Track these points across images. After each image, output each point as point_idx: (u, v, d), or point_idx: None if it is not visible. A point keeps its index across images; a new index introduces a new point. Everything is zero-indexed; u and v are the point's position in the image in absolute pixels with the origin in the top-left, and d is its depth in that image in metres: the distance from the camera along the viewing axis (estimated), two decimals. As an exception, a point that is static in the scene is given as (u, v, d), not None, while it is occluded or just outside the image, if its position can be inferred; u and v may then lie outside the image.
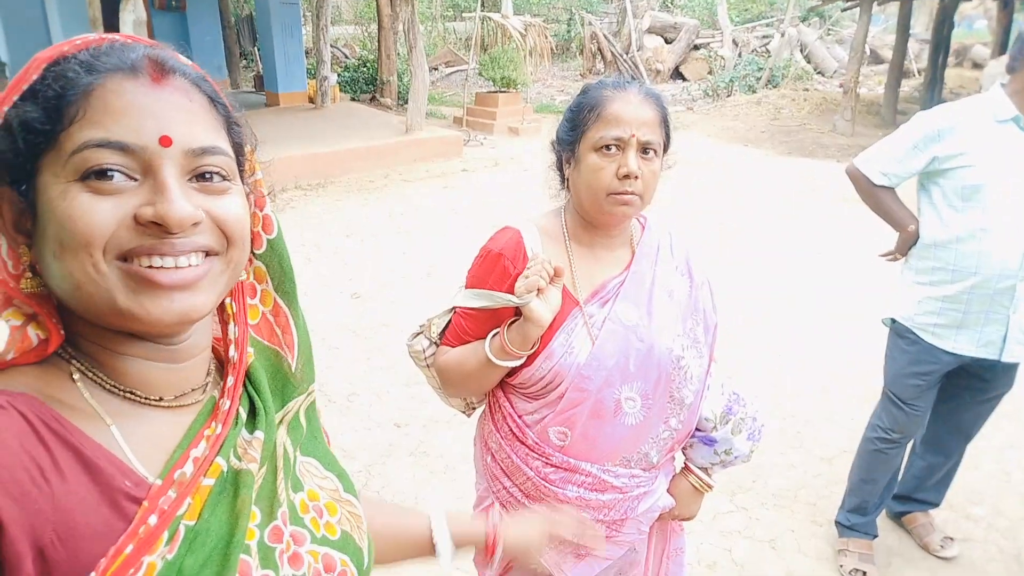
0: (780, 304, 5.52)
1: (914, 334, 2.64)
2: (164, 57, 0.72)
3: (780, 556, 2.98)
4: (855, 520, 2.94)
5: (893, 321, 2.74)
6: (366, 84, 14.33)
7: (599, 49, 17.77)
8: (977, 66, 17.96)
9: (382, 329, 4.99)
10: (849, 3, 14.23)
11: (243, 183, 0.80)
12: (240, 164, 0.79)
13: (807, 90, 14.91)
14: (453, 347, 1.62)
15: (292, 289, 0.92)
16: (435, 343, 1.68)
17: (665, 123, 1.52)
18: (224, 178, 0.73)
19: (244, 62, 16.48)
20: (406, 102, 11.00)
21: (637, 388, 1.52)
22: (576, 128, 1.52)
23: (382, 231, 7.22)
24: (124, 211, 0.67)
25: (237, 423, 0.80)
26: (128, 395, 0.75)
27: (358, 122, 11.19)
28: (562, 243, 1.59)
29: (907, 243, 2.67)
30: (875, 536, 2.94)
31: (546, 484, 1.56)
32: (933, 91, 13.89)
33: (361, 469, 3.47)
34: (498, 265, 1.54)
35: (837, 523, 3.01)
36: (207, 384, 0.83)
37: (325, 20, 12.54)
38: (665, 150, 1.55)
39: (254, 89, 14.51)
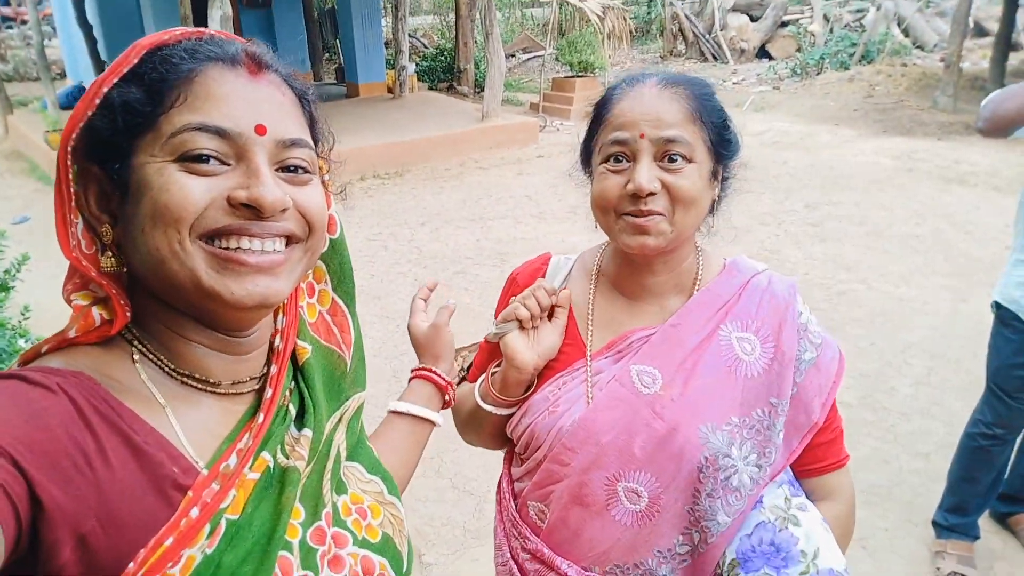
0: (874, 289, 5.22)
1: (1020, 320, 2.44)
2: (260, 53, 0.76)
3: (871, 556, 2.81)
4: (954, 520, 2.76)
5: (997, 307, 2.54)
6: (444, 73, 14.40)
7: (680, 30, 17.30)
8: (1097, 34, 16.52)
9: (455, 317, 4.97)
10: (951, -29, 13.34)
11: None
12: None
13: (904, 65, 14.06)
14: (472, 383, 1.37)
15: (351, 289, 0.95)
16: (463, 377, 1.44)
17: (703, 118, 1.11)
18: (306, 171, 0.77)
19: (327, 55, 16.84)
20: (483, 90, 10.98)
21: (645, 481, 1.12)
22: (588, 140, 1.21)
23: (456, 218, 7.23)
24: (217, 191, 0.70)
25: (286, 419, 0.81)
26: (186, 379, 0.76)
27: (435, 111, 11.26)
28: (590, 280, 1.28)
29: None
30: (976, 538, 2.76)
31: (519, 574, 1.24)
32: (1045, 62, 12.87)
33: (433, 455, 3.46)
34: (510, 292, 1.33)
35: (934, 523, 2.84)
36: (263, 376, 0.84)
37: (404, 10, 12.67)
38: (721, 156, 1.15)
39: (335, 81, 14.81)
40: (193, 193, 0.68)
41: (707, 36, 16.89)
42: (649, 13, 19.39)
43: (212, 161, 0.69)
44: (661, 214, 1.08)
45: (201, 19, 8.05)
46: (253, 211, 0.70)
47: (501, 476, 1.35)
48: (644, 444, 1.11)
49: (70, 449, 0.62)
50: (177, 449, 0.71)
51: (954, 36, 11.42)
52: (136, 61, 0.71)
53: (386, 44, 14.21)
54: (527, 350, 1.18)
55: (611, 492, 1.13)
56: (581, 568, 1.17)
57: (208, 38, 0.74)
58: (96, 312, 0.73)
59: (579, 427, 1.13)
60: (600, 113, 1.17)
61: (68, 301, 0.75)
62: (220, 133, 0.69)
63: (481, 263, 5.91)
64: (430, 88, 13.94)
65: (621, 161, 1.10)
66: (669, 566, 1.16)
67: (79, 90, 12.02)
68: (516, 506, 1.27)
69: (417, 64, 14.31)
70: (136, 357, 0.74)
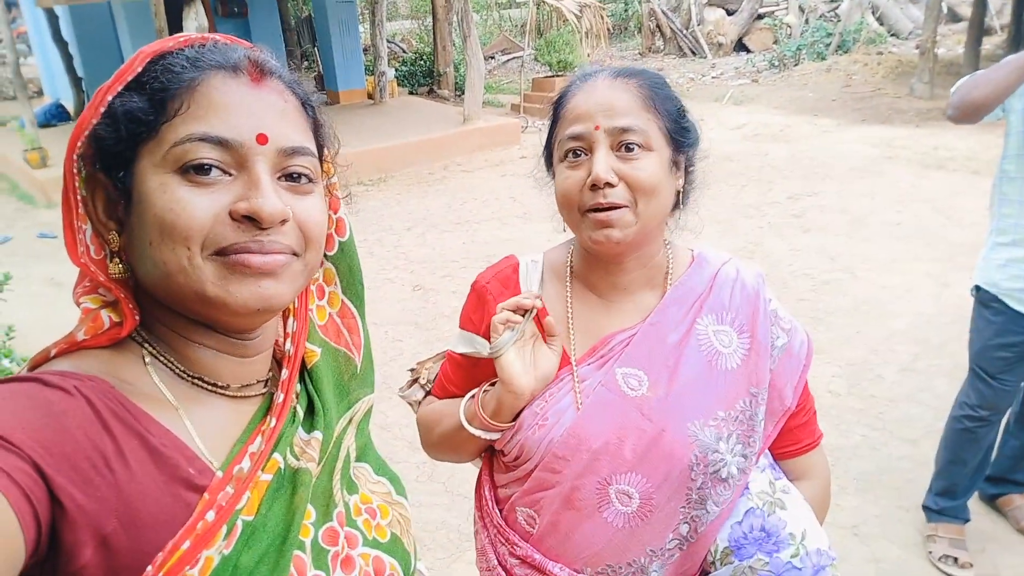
0: (858, 277, 5.26)
1: (1000, 302, 2.47)
2: (263, 59, 0.75)
3: (864, 543, 2.83)
4: (944, 504, 2.79)
5: (978, 289, 2.57)
6: (423, 77, 14.39)
7: (658, 26, 17.37)
8: (1068, 16, 16.71)
9: (443, 320, 4.99)
10: (923, -42, 13.46)
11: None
12: (320, 165, 0.82)
13: (880, 54, 14.18)
14: (439, 398, 1.33)
15: (360, 291, 0.95)
16: (428, 392, 1.38)
17: (657, 107, 1.11)
18: (310, 179, 0.76)
19: (305, 63, 16.80)
20: (464, 93, 10.99)
21: (636, 482, 1.11)
22: (547, 141, 1.21)
23: (442, 222, 7.23)
24: (220, 206, 0.70)
25: (295, 420, 0.82)
26: (197, 381, 0.77)
27: (416, 115, 11.25)
28: (564, 283, 1.24)
29: None
30: (967, 520, 2.79)
31: None
32: (1017, 47, 13.00)
33: (425, 460, 3.46)
34: (481, 301, 1.25)
35: (925, 508, 2.86)
36: (268, 379, 0.85)
37: (381, 16, 12.66)
38: (680, 144, 1.15)
39: (315, 89, 14.77)
40: (197, 211, 0.68)
41: (684, 31, 16.96)
42: (626, 10, 19.45)
43: (214, 171, 0.69)
44: (624, 206, 1.08)
45: (177, 31, 8.02)
46: (255, 222, 0.70)
47: (481, 483, 1.31)
48: (635, 446, 1.11)
49: (89, 451, 0.63)
50: (192, 450, 0.72)
51: (928, 23, 11.52)
52: (140, 69, 0.71)
53: (364, 50, 14.19)
54: (524, 374, 1.12)
55: (603, 495, 1.13)
56: (573, 571, 1.16)
57: (212, 45, 0.74)
58: (105, 315, 0.73)
59: (570, 436, 1.12)
60: (556, 111, 1.18)
61: (77, 304, 0.76)
62: (222, 143, 0.69)
63: (468, 266, 5.92)
64: (410, 93, 13.92)
65: (580, 156, 1.11)
66: (659, 562, 1.16)
67: (57, 108, 11.93)
68: (502, 512, 1.25)
69: (396, 69, 14.29)
70: (147, 359, 0.75)
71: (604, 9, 14.50)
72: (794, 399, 1.19)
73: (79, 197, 0.73)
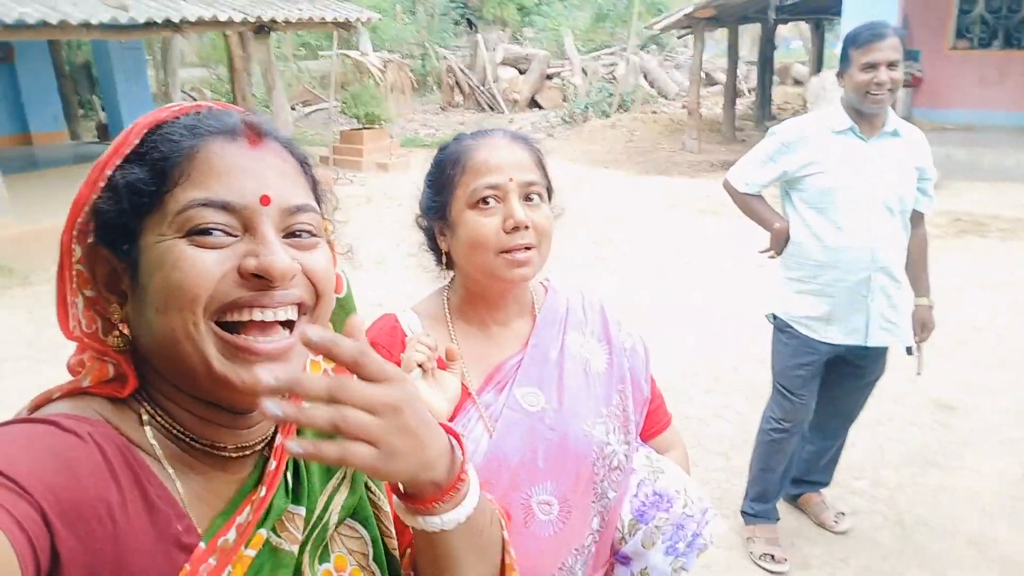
0: (660, 311, 5.84)
1: (792, 328, 2.91)
2: (258, 122, 0.75)
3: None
4: (759, 508, 3.15)
5: (775, 317, 3.00)
6: (222, 128, 13.80)
7: (457, 82, 18.11)
8: (798, 83, 19.79)
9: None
10: (683, 31, 15.33)
11: None
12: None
13: (655, 112, 15.89)
14: None
15: None
16: None
17: (542, 165, 1.32)
18: (312, 234, 0.76)
19: (82, 111, 15.48)
20: (269, 144, 10.73)
21: (552, 489, 1.25)
22: (442, 190, 1.30)
23: (259, 277, 6.99)
24: (227, 264, 0.69)
25: (288, 493, 0.80)
26: (193, 442, 0.75)
27: (218, 167, 10.79)
28: (445, 325, 1.36)
29: (777, 240, 2.94)
30: (777, 520, 3.16)
31: None
32: (764, 108, 15.21)
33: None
34: None
35: (743, 512, 3.21)
36: (267, 439, 0.82)
37: (174, 65, 12.06)
38: (550, 195, 1.35)
39: (98, 139, 13.64)
40: (205, 267, 0.67)
41: (482, 88, 17.84)
42: (424, 66, 20.07)
43: (218, 233, 0.69)
44: (532, 247, 1.25)
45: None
46: (263, 281, 0.69)
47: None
48: (545, 455, 1.26)
49: (95, 501, 0.63)
50: (181, 508, 0.71)
51: (692, 87, 13.11)
52: (137, 141, 0.71)
53: (153, 99, 13.38)
54: (439, 400, 1.22)
55: (527, 509, 1.25)
56: None
57: (207, 111, 0.75)
58: (110, 364, 0.73)
59: (490, 459, 1.23)
60: (456, 164, 1.28)
61: (70, 368, 0.76)
62: (226, 207, 0.69)
63: (293, 322, 5.76)
64: (208, 144, 13.30)
65: (490, 203, 1.24)
66: (582, 559, 1.31)
67: None
68: None
69: (191, 119, 13.62)
70: (144, 418, 0.74)
71: (405, 64, 14.90)
72: (648, 388, 1.42)
73: (74, 272, 0.73)
